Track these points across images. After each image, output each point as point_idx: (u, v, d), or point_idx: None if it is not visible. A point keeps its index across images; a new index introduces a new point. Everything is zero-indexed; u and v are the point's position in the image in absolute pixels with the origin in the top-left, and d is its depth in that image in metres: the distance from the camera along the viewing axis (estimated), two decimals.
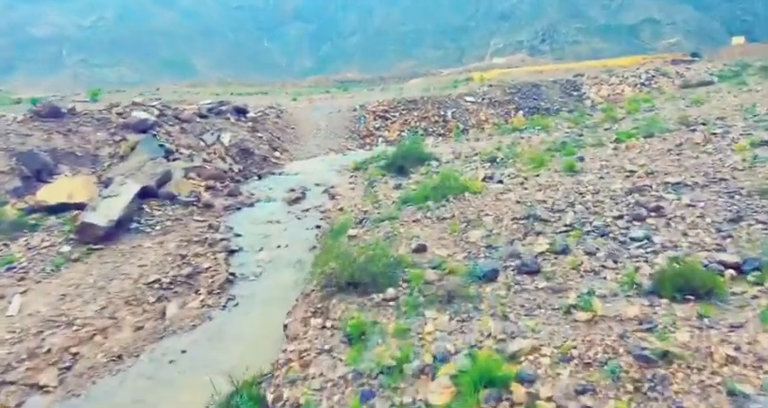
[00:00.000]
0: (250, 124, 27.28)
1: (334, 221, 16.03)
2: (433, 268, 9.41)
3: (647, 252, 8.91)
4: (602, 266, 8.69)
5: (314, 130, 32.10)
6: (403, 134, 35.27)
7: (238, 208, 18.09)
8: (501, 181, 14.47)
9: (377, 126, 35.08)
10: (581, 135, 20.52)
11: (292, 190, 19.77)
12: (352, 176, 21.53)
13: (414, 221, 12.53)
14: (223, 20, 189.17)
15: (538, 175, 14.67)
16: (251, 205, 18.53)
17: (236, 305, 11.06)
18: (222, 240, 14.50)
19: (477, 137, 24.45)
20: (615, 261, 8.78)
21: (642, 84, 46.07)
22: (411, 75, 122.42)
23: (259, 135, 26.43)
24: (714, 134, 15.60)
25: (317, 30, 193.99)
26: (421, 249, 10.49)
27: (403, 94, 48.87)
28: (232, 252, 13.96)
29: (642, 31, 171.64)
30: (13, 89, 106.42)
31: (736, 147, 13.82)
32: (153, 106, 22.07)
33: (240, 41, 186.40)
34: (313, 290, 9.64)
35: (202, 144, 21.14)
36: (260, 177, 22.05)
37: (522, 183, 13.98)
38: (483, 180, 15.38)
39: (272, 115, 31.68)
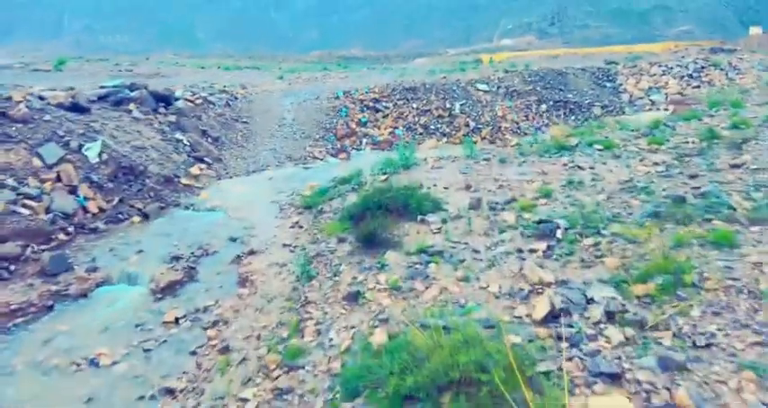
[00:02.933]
0: (171, 119, 17.70)
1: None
2: None
3: None
4: None
5: (275, 126, 22.42)
6: (396, 132, 25.69)
7: (49, 307, 8.75)
8: (614, 377, 4.96)
9: (363, 120, 25.40)
10: (694, 176, 10.97)
11: (176, 260, 10.38)
12: (294, 224, 12.10)
13: None
14: None
15: (709, 344, 5.20)
16: (82, 296, 9.16)
17: None
18: None
19: (504, 157, 14.91)
20: None
21: (690, 75, 36.09)
22: (417, 54, 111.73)
23: (178, 137, 16.86)
24: None
25: (325, 1, 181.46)
26: None
27: (406, 75, 39.14)
28: None
29: (653, 17, 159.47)
30: (13, 52, 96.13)
31: None
32: None
33: (246, 10, 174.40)
34: None
35: (38, 163, 11.62)
36: (147, 217, 12.59)
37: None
38: (546, 319, 6.04)
39: (218, 103, 22.01)
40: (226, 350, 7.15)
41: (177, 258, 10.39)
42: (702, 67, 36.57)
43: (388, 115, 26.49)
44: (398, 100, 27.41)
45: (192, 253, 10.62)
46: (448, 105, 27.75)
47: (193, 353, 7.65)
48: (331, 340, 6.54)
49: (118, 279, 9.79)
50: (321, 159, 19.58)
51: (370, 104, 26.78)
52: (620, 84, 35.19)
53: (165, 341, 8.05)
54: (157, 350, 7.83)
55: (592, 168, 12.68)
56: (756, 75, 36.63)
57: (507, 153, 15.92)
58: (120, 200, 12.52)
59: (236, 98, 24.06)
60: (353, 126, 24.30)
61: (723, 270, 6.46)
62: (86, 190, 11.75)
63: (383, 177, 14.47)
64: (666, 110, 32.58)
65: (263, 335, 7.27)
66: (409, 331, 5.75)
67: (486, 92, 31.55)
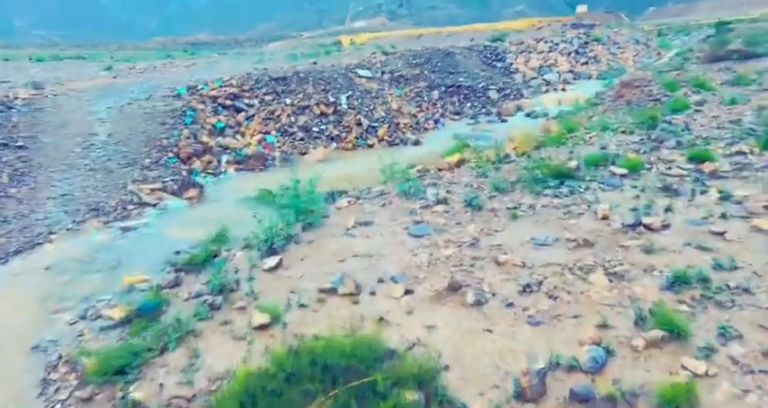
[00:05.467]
0: None
1: None
2: None
3: None
4: None
5: (76, 149, 13.59)
6: (268, 139, 18.01)
7: None
8: None
9: (219, 126, 17.36)
10: None
11: None
12: None
13: None
14: None
15: None
16: None
17: None
18: None
19: (472, 197, 8.36)
20: None
21: (576, 51, 32.49)
22: (270, 37, 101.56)
23: None
24: None
25: None
26: None
27: (264, 62, 31.12)
28: None
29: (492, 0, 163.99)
30: None
31: None
32: None
33: None
34: None
35: None
36: None
37: None
38: None
39: None
40: None
41: None
42: (586, 43, 33.22)
43: (253, 116, 18.64)
44: (266, 94, 19.60)
45: None
46: (331, 99, 20.54)
47: None
48: None
49: None
50: (154, 205, 11.43)
51: (228, 102, 18.68)
52: (511, 64, 30.47)
53: None
54: None
55: (667, 226, 6.54)
56: (634, 48, 34.20)
57: (471, 184, 9.32)
58: None
59: (9, 107, 14.65)
60: (205, 138, 16.16)
61: None
62: None
63: (272, 261, 7.18)
64: (564, 90, 28.49)
65: None
66: None
67: (369, 79, 24.79)
